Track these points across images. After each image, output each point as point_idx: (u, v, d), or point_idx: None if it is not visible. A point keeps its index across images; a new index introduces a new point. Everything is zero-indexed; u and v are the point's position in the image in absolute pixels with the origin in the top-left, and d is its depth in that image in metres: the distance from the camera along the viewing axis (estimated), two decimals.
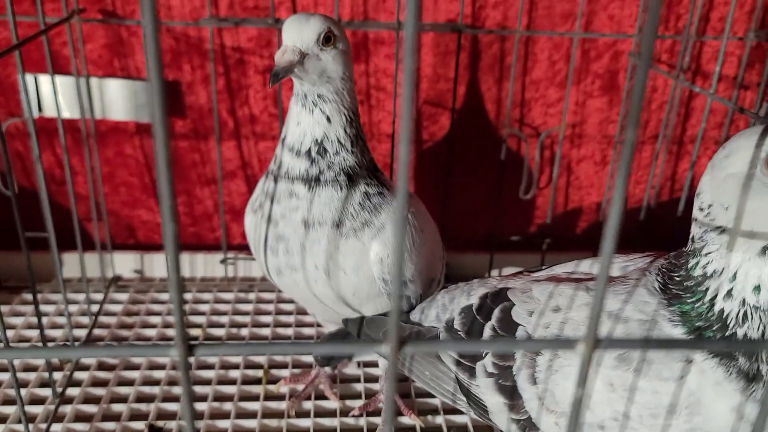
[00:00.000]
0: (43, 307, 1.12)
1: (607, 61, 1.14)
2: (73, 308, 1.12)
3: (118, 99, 1.07)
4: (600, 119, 1.20)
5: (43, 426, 0.87)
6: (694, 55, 1.15)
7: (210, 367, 1.01)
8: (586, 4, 1.09)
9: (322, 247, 0.78)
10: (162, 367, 1.01)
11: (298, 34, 0.71)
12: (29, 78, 1.02)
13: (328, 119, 0.76)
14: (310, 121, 0.76)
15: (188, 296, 1.18)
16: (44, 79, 1.04)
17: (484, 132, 1.19)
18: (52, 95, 0.99)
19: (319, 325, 1.10)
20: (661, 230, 1.27)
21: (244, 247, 1.28)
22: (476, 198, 1.25)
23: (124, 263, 1.23)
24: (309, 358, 1.03)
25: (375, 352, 0.32)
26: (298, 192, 0.77)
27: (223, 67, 1.10)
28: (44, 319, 1.09)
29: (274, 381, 0.99)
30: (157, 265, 1.24)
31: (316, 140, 0.76)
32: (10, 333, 1.06)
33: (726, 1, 1.10)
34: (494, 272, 1.29)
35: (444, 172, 1.19)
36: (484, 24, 1.10)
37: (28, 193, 1.16)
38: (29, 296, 1.16)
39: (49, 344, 1.01)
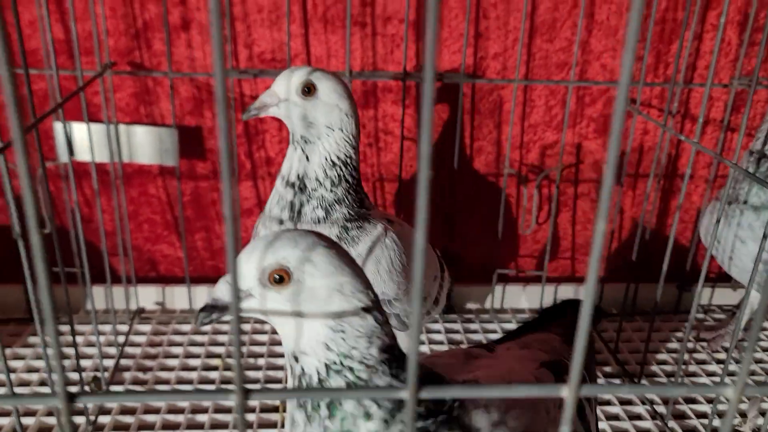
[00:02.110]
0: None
1: (600, 106, 1.22)
2: (100, 339, 1.19)
3: (144, 144, 1.15)
4: (595, 159, 1.27)
5: None
6: (683, 100, 1.22)
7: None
8: (581, 54, 1.17)
9: None
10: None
11: (282, 81, 0.80)
12: (62, 125, 1.10)
13: (308, 158, 0.84)
14: (294, 157, 0.85)
15: (207, 328, 1.25)
16: (77, 127, 1.12)
17: (485, 172, 1.26)
18: (83, 141, 1.07)
19: None
20: (654, 262, 1.33)
21: None
22: (478, 233, 1.32)
23: (146, 296, 1.31)
24: None
25: (395, 397, 0.39)
26: (284, 218, 0.85)
27: (242, 114, 1.18)
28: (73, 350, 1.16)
29: None
30: (177, 297, 1.31)
31: (298, 175, 0.84)
32: (41, 363, 1.13)
33: (711, 51, 1.18)
34: (496, 303, 1.36)
35: (448, 209, 1.26)
36: (485, 73, 1.18)
37: (56, 230, 1.24)
38: (59, 327, 1.23)
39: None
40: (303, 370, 0.54)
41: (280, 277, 0.52)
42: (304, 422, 0.56)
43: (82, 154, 1.14)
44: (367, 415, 0.54)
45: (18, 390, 1.07)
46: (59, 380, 0.36)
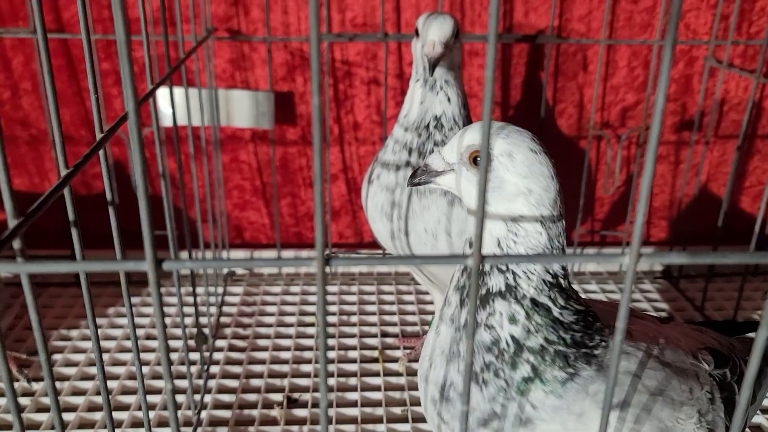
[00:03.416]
0: (171, 299, 1.24)
1: (682, 67, 1.24)
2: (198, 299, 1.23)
3: (241, 108, 1.18)
4: (674, 121, 1.29)
5: (197, 396, 0.98)
6: (766, 59, 1.24)
7: (331, 348, 1.11)
8: (664, 14, 1.19)
9: (432, 213, 0.89)
10: (287, 348, 1.11)
11: (441, 31, 0.83)
12: (166, 91, 1.14)
13: (449, 99, 0.88)
14: (434, 100, 0.88)
15: (296, 289, 1.29)
16: (178, 92, 1.16)
17: (567, 133, 1.29)
18: (181, 106, 1.11)
19: (422, 305, 1.20)
20: (731, 225, 1.35)
21: (341, 245, 1.38)
22: (565, 191, 1.34)
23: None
24: (415, 330, 1.13)
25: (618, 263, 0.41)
26: (411, 162, 0.89)
27: (332, 78, 1.21)
28: (173, 309, 1.20)
29: (387, 360, 1.09)
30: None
31: (436, 116, 0.88)
32: (145, 320, 1.18)
33: None
34: (644, 260, 1.37)
35: None
36: (570, 35, 1.20)
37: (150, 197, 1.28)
38: None
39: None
40: None
41: (474, 159, 0.56)
42: (456, 306, 0.59)
43: (184, 120, 1.18)
44: (513, 319, 0.56)
45: (128, 343, 1.11)
46: (319, 249, 0.39)
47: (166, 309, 1.21)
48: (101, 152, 0.60)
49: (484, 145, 0.36)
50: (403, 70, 1.21)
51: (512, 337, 0.56)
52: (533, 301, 0.56)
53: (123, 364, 1.07)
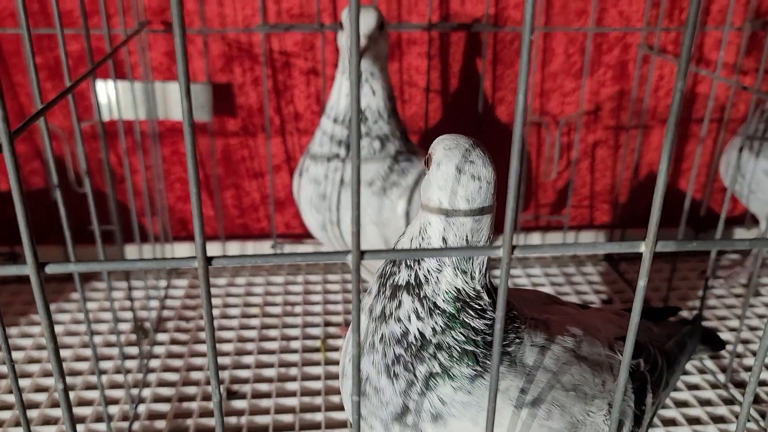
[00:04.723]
0: (116, 294, 1.23)
1: (617, 53, 1.26)
2: (139, 294, 1.23)
3: (179, 100, 1.18)
4: (612, 107, 1.31)
5: (136, 391, 0.98)
6: (697, 44, 1.26)
7: (273, 339, 1.12)
8: (598, 1, 1.21)
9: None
10: (228, 340, 1.12)
11: (365, 23, 0.83)
12: (101, 84, 1.13)
13: (374, 92, 0.89)
14: (360, 93, 0.88)
15: (242, 280, 1.29)
16: (112, 86, 1.15)
17: (507, 121, 1.30)
18: (117, 100, 1.09)
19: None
20: (672, 207, 1.38)
21: (287, 236, 1.39)
22: (502, 180, 1.36)
23: (180, 253, 1.34)
24: None
25: (493, 255, 0.43)
26: (340, 154, 0.89)
27: (271, 69, 1.21)
28: (116, 304, 1.20)
29: (329, 349, 1.10)
30: (210, 253, 1.34)
31: (360, 109, 0.89)
32: (81, 316, 1.17)
33: None
34: (517, 252, 1.40)
35: None
36: (506, 23, 1.22)
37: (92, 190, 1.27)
38: (98, 284, 1.27)
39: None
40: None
41: (426, 161, 0.58)
42: (375, 295, 0.61)
43: (117, 113, 1.17)
44: (418, 316, 0.57)
45: (68, 339, 1.10)
46: (199, 246, 0.40)
47: (108, 303, 1.20)
48: (7, 152, 0.60)
49: (354, 135, 0.37)
50: None
51: (419, 331, 0.57)
52: (436, 305, 0.57)
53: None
